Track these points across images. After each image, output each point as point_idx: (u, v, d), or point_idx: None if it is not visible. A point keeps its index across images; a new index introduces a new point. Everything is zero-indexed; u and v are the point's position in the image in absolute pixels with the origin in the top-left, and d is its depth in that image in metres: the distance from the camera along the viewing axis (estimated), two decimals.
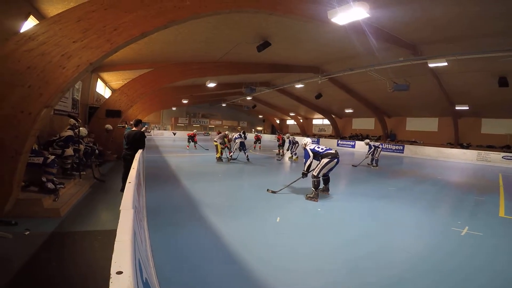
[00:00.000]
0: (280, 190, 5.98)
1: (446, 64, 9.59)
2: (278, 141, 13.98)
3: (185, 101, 23.47)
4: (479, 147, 17.48)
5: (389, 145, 20.60)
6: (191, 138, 16.03)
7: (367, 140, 11.79)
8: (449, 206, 6.02)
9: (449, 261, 3.14)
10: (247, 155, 11.13)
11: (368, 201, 5.70)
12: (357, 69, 12.15)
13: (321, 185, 5.94)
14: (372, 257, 3.12)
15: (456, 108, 16.54)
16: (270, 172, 9.22)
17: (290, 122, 37.31)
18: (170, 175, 7.64)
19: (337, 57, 12.89)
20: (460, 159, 16.73)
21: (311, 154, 5.73)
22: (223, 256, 2.96)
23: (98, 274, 2.52)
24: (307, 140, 6.19)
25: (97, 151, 8.04)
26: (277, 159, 12.54)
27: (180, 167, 9.22)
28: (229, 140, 11.31)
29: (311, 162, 5.73)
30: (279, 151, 13.70)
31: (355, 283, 2.59)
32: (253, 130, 39.51)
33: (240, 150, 11.02)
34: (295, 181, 6.11)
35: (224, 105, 31.92)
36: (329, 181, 6.06)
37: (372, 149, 11.05)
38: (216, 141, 10.92)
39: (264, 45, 9.30)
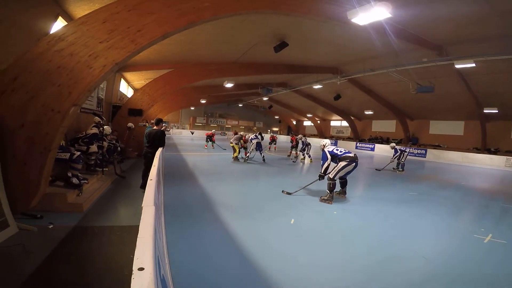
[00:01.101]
0: (295, 191, 5.92)
1: (474, 65, 9.09)
2: (291, 142, 13.86)
3: (203, 101, 23.84)
4: (508, 152, 16.41)
5: (411, 149, 19.84)
6: (209, 137, 16.33)
7: (393, 144, 11.30)
8: (472, 212, 5.71)
9: (471, 269, 3.00)
10: (263, 156, 11.24)
11: (387, 205, 5.51)
12: (378, 70, 11.80)
13: (338, 188, 5.82)
14: (390, 263, 3.01)
15: (485, 111, 15.65)
16: (285, 173, 9.15)
17: (307, 123, 36.85)
18: (187, 173, 7.78)
19: (357, 57, 12.57)
20: (487, 165, 15.77)
21: (329, 156, 5.59)
22: (235, 257, 2.95)
23: (115, 268, 2.60)
24: (326, 141, 6.04)
25: (119, 148, 8.34)
26: (292, 161, 12.42)
27: (197, 165, 9.38)
28: (246, 141, 11.40)
29: (329, 164, 5.59)
30: (290, 152, 13.62)
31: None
32: (269, 130, 39.41)
33: (256, 150, 11.12)
34: (311, 183, 6.02)
35: (240, 105, 32.10)
36: (346, 184, 5.88)
37: (398, 154, 10.58)
38: (232, 142, 11.01)
39: (281, 45, 9.25)
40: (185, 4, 4.05)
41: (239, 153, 10.99)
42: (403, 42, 9.23)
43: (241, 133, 11.67)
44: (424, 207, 5.57)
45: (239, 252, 3.06)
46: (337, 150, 5.66)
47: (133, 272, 0.86)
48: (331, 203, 5.29)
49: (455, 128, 19.99)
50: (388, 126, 24.79)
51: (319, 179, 5.72)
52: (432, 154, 18.58)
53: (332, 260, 3.05)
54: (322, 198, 5.49)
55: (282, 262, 2.90)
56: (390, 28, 7.94)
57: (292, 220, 4.22)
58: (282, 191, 5.99)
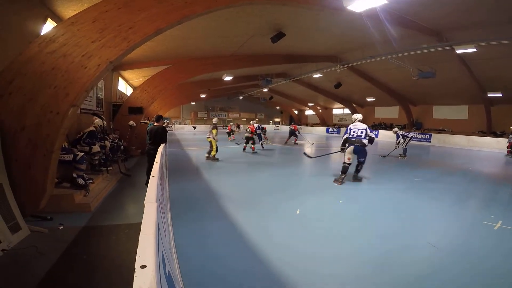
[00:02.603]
0: (316, 156, 7.07)
1: (475, 50, 9.00)
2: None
3: (203, 96, 23.74)
4: None
5: (415, 134, 19.69)
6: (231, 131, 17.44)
7: (396, 129, 11.11)
8: (480, 199, 5.63)
9: (482, 257, 2.95)
10: (262, 143, 12.76)
11: (393, 193, 5.50)
12: (378, 57, 11.64)
13: (353, 172, 6.31)
14: (397, 253, 3.00)
15: (489, 95, 15.44)
16: (288, 163, 9.13)
17: (309, 112, 36.65)
18: (191, 168, 7.82)
19: (356, 45, 12.36)
20: (493, 148, 15.58)
21: (347, 132, 6.16)
22: (243, 251, 2.96)
23: (123, 266, 2.64)
24: (357, 116, 6.31)
25: (122, 147, 8.38)
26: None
27: (200, 160, 9.39)
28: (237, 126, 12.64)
29: (345, 138, 6.12)
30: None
31: (379, 279, 2.51)
32: (271, 121, 39.47)
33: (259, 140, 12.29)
34: (332, 153, 7.53)
35: (241, 98, 31.97)
36: (358, 169, 6.24)
37: (400, 138, 10.42)
38: (209, 137, 9.19)
39: (279, 36, 9.11)
40: None
41: (216, 150, 9.22)
42: (402, 29, 9.07)
43: (214, 120, 10.00)
44: (430, 193, 5.53)
45: (245, 246, 3.08)
46: (353, 131, 6.06)
47: (135, 270, 0.86)
48: (339, 184, 5.89)
49: (459, 112, 19.76)
50: (391, 112, 24.61)
51: (340, 151, 6.30)
52: (437, 139, 18.45)
53: (338, 251, 3.05)
54: (335, 179, 6.12)
55: (288, 254, 2.91)
56: (387, 14, 7.77)
57: (298, 211, 4.24)
58: (304, 153, 7.34)
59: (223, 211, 4.20)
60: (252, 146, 11.13)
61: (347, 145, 5.99)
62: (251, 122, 12.19)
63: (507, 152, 13.10)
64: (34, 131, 3.38)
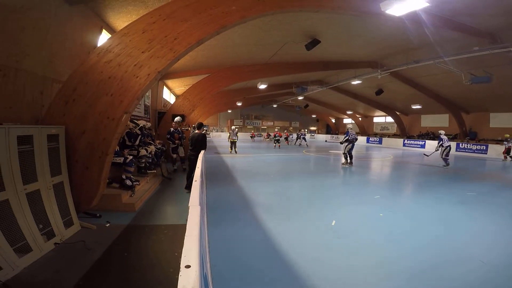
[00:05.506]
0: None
1: None
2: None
3: (239, 104, 24.34)
4: None
5: (469, 145, 17.73)
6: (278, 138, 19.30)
7: (442, 131, 10.75)
8: None
9: None
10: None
11: (441, 206, 5.01)
12: (423, 61, 10.83)
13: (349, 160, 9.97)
14: (442, 266, 2.75)
15: None
16: (324, 172, 8.89)
17: (347, 120, 35.30)
18: (226, 174, 7.99)
19: (398, 50, 11.66)
20: None
21: (348, 135, 9.88)
22: (273, 258, 2.90)
23: (161, 265, 2.75)
24: (351, 126, 10.50)
25: (179, 153, 8.87)
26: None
27: (234, 166, 9.57)
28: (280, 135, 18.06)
29: (344, 139, 9.97)
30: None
31: None
32: (306, 130, 38.89)
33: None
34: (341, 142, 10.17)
35: (275, 106, 32.08)
36: (351, 157, 9.98)
37: (440, 142, 10.21)
38: (235, 139, 13.88)
39: (313, 43, 8.97)
40: (214, 9, 4.14)
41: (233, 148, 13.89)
42: (448, 31, 8.38)
43: (233, 127, 14.73)
44: (484, 208, 4.97)
45: (276, 253, 3.02)
46: (351, 134, 9.80)
47: (180, 270, 0.88)
48: (346, 166, 9.69)
49: None
50: (440, 120, 22.53)
51: (340, 143, 10.31)
52: (495, 150, 16.36)
53: (374, 262, 2.86)
54: (342, 164, 10.06)
55: (320, 265, 2.79)
56: (431, 17, 7.23)
57: (333, 222, 4.05)
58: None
59: (255, 218, 4.17)
60: (279, 144, 18.17)
61: (346, 144, 9.79)
62: (275, 129, 18.46)
63: (504, 157, 14.32)
64: (93, 135, 3.74)
